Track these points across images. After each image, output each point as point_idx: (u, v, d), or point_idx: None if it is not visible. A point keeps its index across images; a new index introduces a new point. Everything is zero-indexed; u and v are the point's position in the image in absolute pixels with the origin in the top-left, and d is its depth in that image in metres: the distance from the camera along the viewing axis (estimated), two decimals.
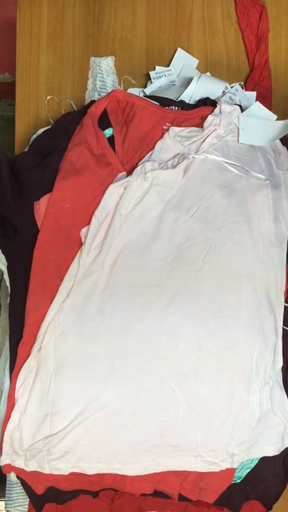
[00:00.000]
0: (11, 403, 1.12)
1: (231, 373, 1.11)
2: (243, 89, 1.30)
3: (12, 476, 1.14)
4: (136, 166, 1.17)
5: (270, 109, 1.24)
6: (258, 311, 1.13)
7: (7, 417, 1.11)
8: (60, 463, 1.09)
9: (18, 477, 1.13)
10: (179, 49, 1.34)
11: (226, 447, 1.10)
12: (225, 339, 1.11)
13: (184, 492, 1.11)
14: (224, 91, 1.27)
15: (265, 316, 1.13)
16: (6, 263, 1.17)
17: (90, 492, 1.15)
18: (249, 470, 1.15)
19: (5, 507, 1.17)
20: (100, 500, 1.17)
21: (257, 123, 1.20)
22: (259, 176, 1.16)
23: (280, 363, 1.15)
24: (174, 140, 1.18)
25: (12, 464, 1.11)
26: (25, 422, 1.10)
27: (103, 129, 1.21)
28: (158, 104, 1.23)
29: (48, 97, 1.31)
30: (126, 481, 1.11)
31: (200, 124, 1.21)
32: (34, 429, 1.10)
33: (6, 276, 1.18)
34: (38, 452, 1.09)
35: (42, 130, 1.24)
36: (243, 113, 1.21)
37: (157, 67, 1.33)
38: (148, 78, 1.33)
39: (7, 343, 1.16)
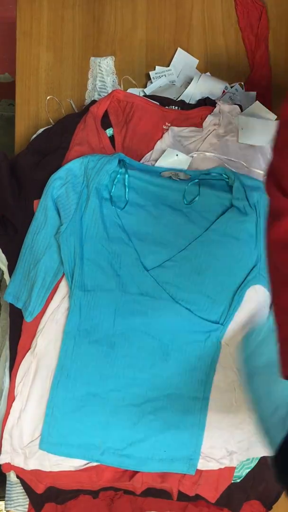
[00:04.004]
0: (10, 400, 1.12)
1: (230, 369, 1.11)
2: (243, 89, 1.29)
3: (12, 476, 1.14)
4: None
5: (270, 109, 1.24)
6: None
7: (7, 414, 1.12)
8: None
9: (17, 477, 1.13)
10: (179, 49, 1.33)
11: (225, 445, 1.11)
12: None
13: (183, 488, 1.11)
14: (224, 91, 1.27)
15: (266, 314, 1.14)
16: (6, 263, 1.17)
17: (90, 492, 1.15)
18: (249, 470, 1.15)
19: (5, 507, 1.17)
20: (100, 500, 1.17)
21: (257, 123, 1.20)
22: (258, 171, 1.17)
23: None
24: (174, 140, 1.19)
25: (11, 463, 1.11)
26: (25, 420, 1.11)
27: (104, 129, 1.21)
28: (158, 104, 1.23)
29: (48, 97, 1.31)
30: (130, 474, 1.11)
31: (200, 124, 1.21)
32: (33, 426, 1.11)
33: (6, 276, 1.18)
34: (38, 449, 1.10)
35: (42, 129, 1.24)
36: (243, 112, 1.21)
37: (157, 67, 1.32)
38: (148, 78, 1.33)
39: (7, 343, 1.17)
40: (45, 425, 1.10)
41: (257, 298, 1.13)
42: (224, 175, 1.16)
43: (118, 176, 1.14)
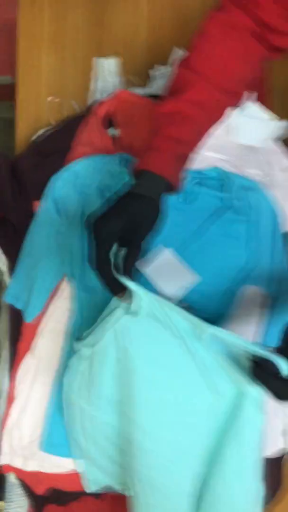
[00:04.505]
0: (10, 401, 1.12)
1: None
2: None
3: (12, 478, 1.14)
4: None
5: (269, 109, 1.23)
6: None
7: (7, 415, 1.12)
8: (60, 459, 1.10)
9: (17, 478, 1.14)
10: (179, 49, 1.33)
11: None
12: None
13: None
14: None
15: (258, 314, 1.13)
16: (6, 263, 1.18)
17: (91, 493, 1.15)
18: None
19: (5, 509, 1.17)
20: (102, 501, 1.17)
21: (255, 123, 1.20)
22: (254, 172, 1.17)
23: None
24: None
25: (11, 464, 1.11)
26: (24, 421, 1.11)
27: (106, 129, 1.21)
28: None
29: (49, 98, 1.31)
30: None
31: None
32: (33, 427, 1.11)
33: (6, 276, 1.18)
34: (38, 450, 1.10)
35: (43, 130, 1.25)
36: (238, 111, 1.20)
37: (158, 66, 1.32)
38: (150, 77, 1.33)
39: (7, 343, 1.17)
40: (45, 426, 1.10)
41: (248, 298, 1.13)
42: (220, 175, 1.16)
43: (120, 176, 1.14)
